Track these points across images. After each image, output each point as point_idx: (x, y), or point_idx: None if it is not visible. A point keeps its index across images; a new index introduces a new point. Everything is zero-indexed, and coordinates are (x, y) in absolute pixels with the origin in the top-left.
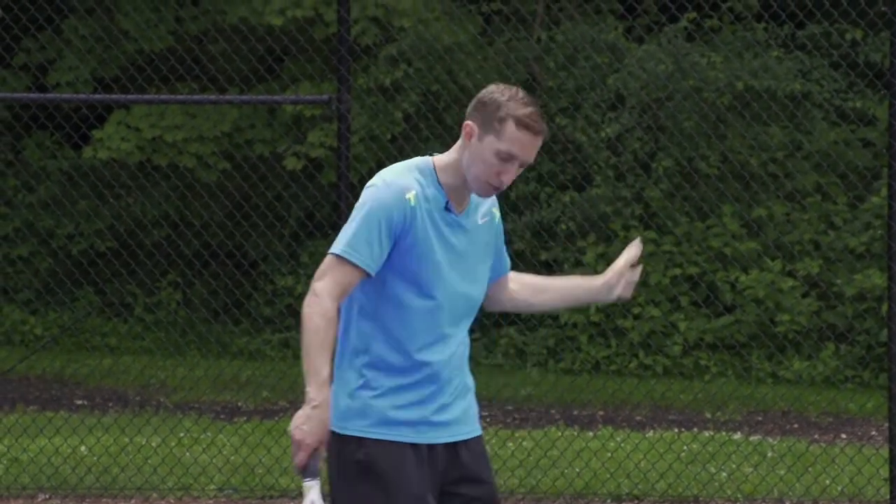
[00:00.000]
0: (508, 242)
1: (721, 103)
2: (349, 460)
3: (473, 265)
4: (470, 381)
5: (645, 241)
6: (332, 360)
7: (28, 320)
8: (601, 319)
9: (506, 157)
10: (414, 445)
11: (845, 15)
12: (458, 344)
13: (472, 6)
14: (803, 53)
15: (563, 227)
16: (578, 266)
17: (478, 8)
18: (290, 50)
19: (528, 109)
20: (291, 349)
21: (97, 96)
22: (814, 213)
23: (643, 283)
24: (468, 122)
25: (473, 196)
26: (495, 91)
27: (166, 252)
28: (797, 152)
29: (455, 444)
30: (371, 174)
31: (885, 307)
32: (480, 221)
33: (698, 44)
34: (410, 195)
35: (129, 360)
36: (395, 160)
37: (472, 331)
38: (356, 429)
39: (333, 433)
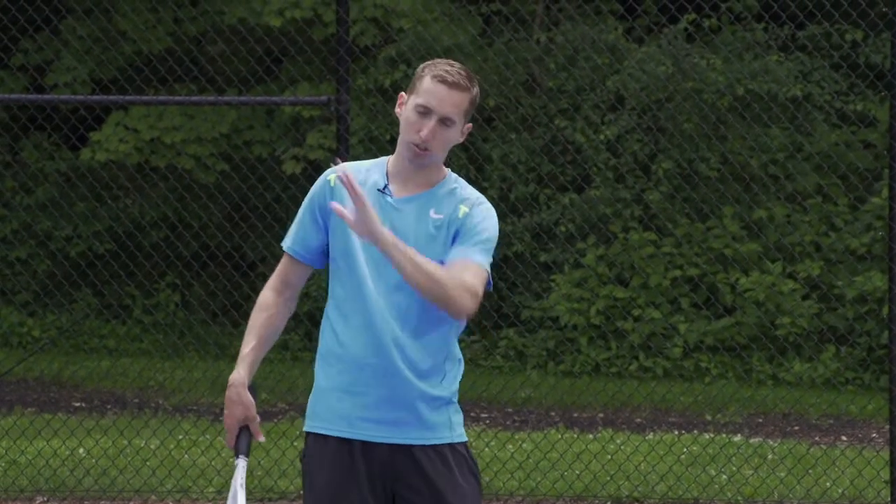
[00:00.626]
0: (508, 244)
1: (721, 105)
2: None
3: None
4: (438, 389)
5: (645, 243)
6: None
7: (26, 322)
8: (601, 322)
9: (422, 111)
10: (346, 440)
11: (846, 16)
12: (400, 336)
13: (472, 7)
14: (804, 54)
15: (563, 228)
16: (578, 268)
17: (477, 9)
18: (289, 51)
19: (448, 66)
20: (290, 351)
21: (95, 97)
22: (814, 214)
23: (643, 284)
24: (401, 93)
25: (437, 192)
26: (425, 62)
27: (165, 254)
28: (798, 154)
29: (408, 447)
30: None
31: (885, 309)
32: (434, 215)
33: (698, 45)
34: (332, 177)
35: (128, 362)
36: None
37: (470, 332)
38: (307, 425)
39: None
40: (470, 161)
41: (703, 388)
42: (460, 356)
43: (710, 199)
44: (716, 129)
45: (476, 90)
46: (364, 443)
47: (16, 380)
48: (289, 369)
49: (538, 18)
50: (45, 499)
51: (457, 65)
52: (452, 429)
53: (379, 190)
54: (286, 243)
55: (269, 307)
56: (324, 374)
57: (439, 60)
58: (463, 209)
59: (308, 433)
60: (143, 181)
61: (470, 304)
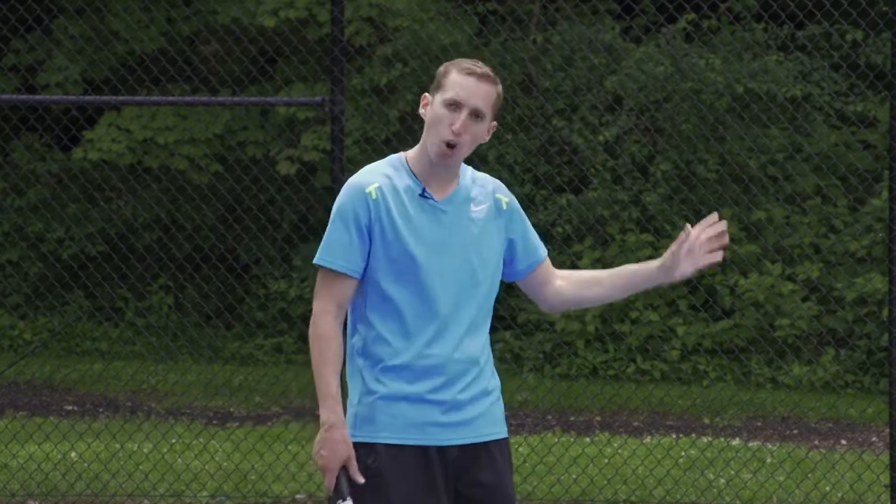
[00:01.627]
0: None
1: (720, 105)
2: (361, 466)
3: (464, 251)
4: (492, 381)
5: (642, 245)
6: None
7: (17, 325)
8: (598, 325)
9: (452, 104)
10: (421, 448)
11: (846, 15)
12: (462, 337)
13: (468, 6)
14: (803, 54)
15: (560, 230)
16: (575, 269)
17: (473, 8)
18: (283, 51)
19: (471, 61)
20: (284, 354)
21: (87, 98)
22: (814, 216)
23: None
24: (424, 94)
25: (464, 185)
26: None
27: (157, 255)
28: (797, 155)
29: (472, 445)
30: None
31: (885, 311)
32: (474, 209)
33: (697, 45)
34: (371, 189)
35: (120, 365)
36: None
37: None
38: (364, 434)
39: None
40: (466, 161)
41: (701, 391)
42: None
43: (709, 201)
44: (714, 129)
45: (501, 87)
46: (439, 448)
47: (7, 383)
48: (282, 372)
49: (535, 18)
50: (37, 503)
51: (480, 62)
52: (505, 423)
53: (420, 195)
54: (339, 265)
55: (333, 337)
56: (380, 381)
57: (462, 59)
58: (503, 199)
59: (373, 444)
60: (136, 182)
61: None
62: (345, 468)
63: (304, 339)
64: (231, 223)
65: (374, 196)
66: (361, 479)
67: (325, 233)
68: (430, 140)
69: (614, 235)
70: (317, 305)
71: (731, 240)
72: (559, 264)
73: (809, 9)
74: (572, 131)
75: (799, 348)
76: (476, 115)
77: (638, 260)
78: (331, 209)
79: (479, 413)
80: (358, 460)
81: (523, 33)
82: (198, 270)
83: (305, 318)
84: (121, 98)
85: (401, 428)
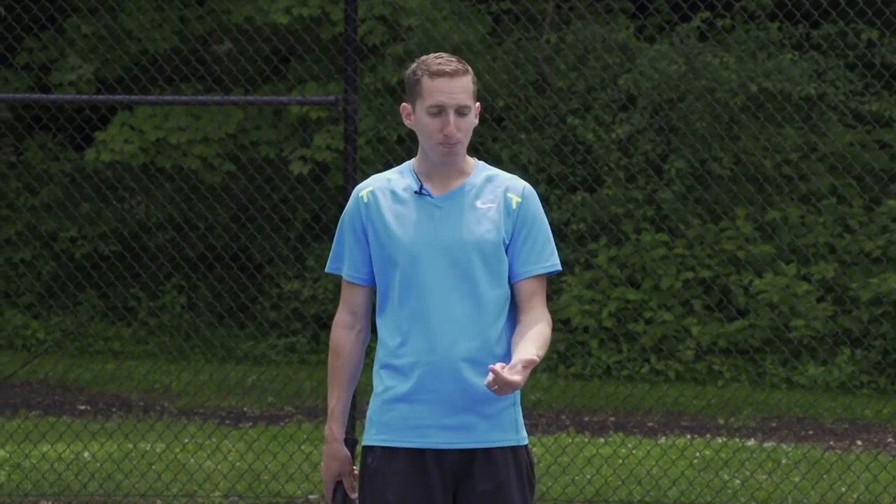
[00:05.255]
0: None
1: (734, 104)
2: (361, 469)
3: (461, 247)
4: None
5: (657, 244)
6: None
7: (30, 324)
8: (613, 324)
9: (436, 111)
10: (417, 450)
11: (861, 14)
12: (458, 335)
13: (481, 5)
14: (818, 53)
15: (574, 229)
16: (589, 269)
17: (487, 7)
18: (296, 50)
19: (437, 59)
20: (297, 353)
21: (100, 97)
22: (829, 215)
23: (655, 286)
24: (403, 106)
25: (471, 182)
26: (411, 66)
27: (170, 255)
28: (812, 154)
29: (471, 451)
30: None
31: None
32: (480, 205)
33: (711, 43)
34: (364, 192)
35: (133, 365)
36: (403, 162)
37: None
38: (368, 438)
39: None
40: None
41: (715, 391)
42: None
43: (723, 200)
44: (729, 128)
45: (471, 71)
46: (436, 451)
47: (20, 382)
48: (295, 372)
49: (548, 17)
50: (50, 503)
51: (443, 54)
52: (518, 430)
53: (416, 192)
54: (343, 272)
55: (342, 350)
56: (384, 383)
57: (424, 58)
58: (514, 199)
59: (372, 446)
60: (149, 182)
61: (550, 329)
62: (339, 483)
63: (316, 339)
64: (244, 223)
65: (365, 200)
66: (354, 495)
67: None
68: (427, 146)
69: (628, 234)
70: (336, 316)
71: (746, 239)
72: (573, 263)
73: (824, 7)
74: (586, 130)
75: (814, 349)
76: (461, 111)
77: (652, 259)
78: (343, 209)
79: (483, 417)
80: (362, 461)
81: (537, 32)
82: (211, 270)
83: (318, 318)
84: (134, 97)
85: (396, 430)
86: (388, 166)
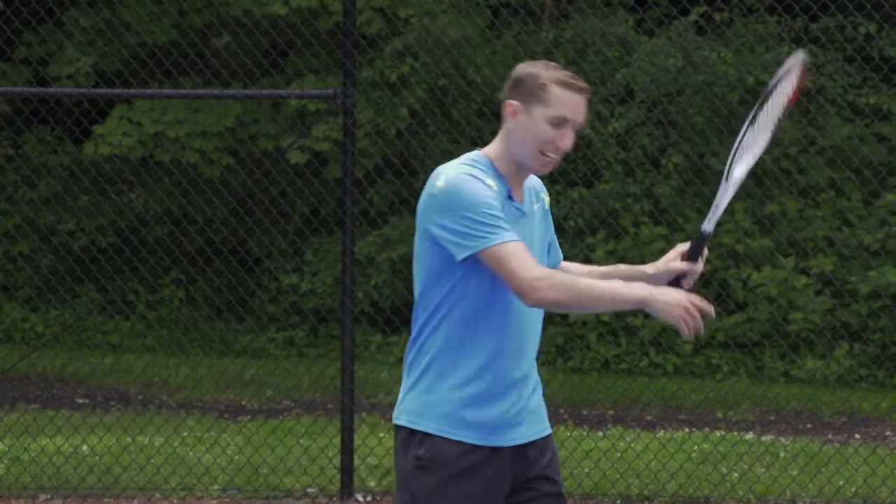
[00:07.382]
0: None
1: (732, 98)
2: (412, 456)
3: (541, 253)
4: (538, 378)
5: (655, 238)
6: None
7: (29, 318)
8: (611, 318)
9: (559, 122)
10: (483, 447)
11: (860, 8)
12: (529, 339)
13: None
14: (816, 47)
15: (572, 223)
16: (588, 263)
17: (486, 1)
18: (295, 43)
19: (565, 71)
20: (295, 347)
21: (99, 90)
22: (827, 209)
23: None
24: (509, 101)
25: (527, 185)
26: (527, 66)
27: (169, 249)
28: (810, 148)
29: (525, 444)
30: (377, 169)
31: None
32: (535, 208)
33: (709, 37)
34: (488, 181)
35: (132, 359)
36: (401, 155)
37: None
38: (427, 426)
39: (403, 427)
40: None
41: (714, 385)
42: None
43: None
44: (727, 122)
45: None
46: (513, 448)
47: (18, 376)
48: (294, 366)
49: (547, 10)
50: (49, 496)
51: (569, 70)
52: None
53: (507, 198)
54: (513, 236)
55: (570, 279)
56: (452, 380)
57: (550, 65)
58: (546, 199)
59: (443, 438)
60: (148, 175)
61: None
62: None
63: (315, 332)
64: (242, 216)
65: (494, 188)
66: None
67: (463, 220)
68: (527, 151)
69: (627, 228)
70: (524, 275)
71: (744, 233)
72: (572, 258)
73: (823, 1)
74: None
75: (812, 342)
76: (578, 129)
77: (651, 253)
78: (342, 201)
79: (535, 410)
80: (410, 448)
81: (536, 26)
82: (209, 264)
83: (317, 312)
84: (132, 91)
85: (464, 426)
86: (386, 159)
